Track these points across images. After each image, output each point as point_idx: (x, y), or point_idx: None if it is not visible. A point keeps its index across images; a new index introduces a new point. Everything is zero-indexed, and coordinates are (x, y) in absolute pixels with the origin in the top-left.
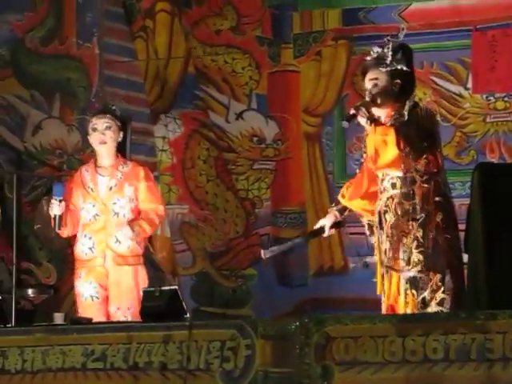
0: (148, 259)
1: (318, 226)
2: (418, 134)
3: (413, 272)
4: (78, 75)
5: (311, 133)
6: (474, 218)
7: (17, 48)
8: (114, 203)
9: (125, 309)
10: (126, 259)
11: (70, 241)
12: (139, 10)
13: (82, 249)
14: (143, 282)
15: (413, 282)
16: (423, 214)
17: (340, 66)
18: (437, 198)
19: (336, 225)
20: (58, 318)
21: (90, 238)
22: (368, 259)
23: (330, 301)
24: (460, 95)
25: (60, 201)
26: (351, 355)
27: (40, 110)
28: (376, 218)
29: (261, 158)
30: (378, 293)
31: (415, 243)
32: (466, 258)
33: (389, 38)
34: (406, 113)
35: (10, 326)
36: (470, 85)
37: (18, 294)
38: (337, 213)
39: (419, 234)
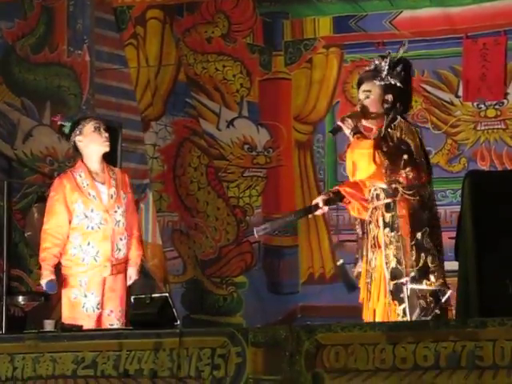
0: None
1: (313, 203)
2: (397, 148)
3: (394, 283)
4: (68, 83)
5: (302, 140)
6: (465, 225)
7: (7, 55)
8: (115, 211)
9: (117, 312)
10: (122, 266)
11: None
12: (130, 17)
13: (82, 257)
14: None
15: (395, 293)
16: (406, 226)
17: (331, 74)
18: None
19: (328, 202)
20: (49, 325)
21: (93, 247)
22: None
23: (320, 309)
24: (451, 103)
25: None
26: (342, 363)
27: (31, 118)
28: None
29: (252, 166)
30: (359, 300)
31: (396, 255)
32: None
33: (389, 51)
34: (383, 127)
35: (0, 332)
36: (460, 92)
37: (9, 301)
38: (330, 193)
39: (399, 245)
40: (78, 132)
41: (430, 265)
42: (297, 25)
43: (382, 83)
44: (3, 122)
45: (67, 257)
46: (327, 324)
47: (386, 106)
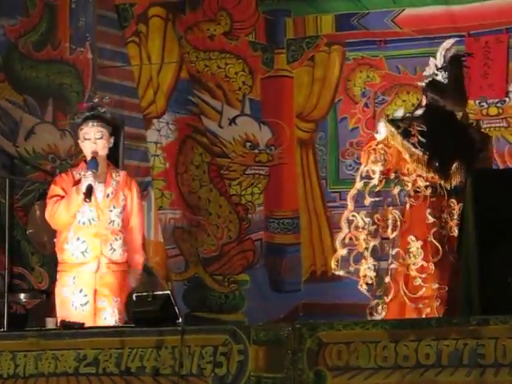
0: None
1: None
2: None
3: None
4: (70, 80)
5: (304, 138)
6: (467, 223)
7: (10, 53)
8: (111, 211)
9: (112, 308)
10: (119, 265)
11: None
12: (132, 14)
13: (72, 252)
14: (128, 285)
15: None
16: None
17: (333, 72)
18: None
19: None
20: (50, 322)
21: (84, 242)
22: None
23: (322, 306)
24: None
25: (94, 173)
26: (344, 361)
27: (33, 115)
28: None
29: (254, 164)
30: None
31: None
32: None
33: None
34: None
35: (2, 330)
36: None
37: (11, 299)
38: None
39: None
40: (78, 135)
41: None
42: (299, 22)
43: (420, 85)
44: (5, 120)
45: (62, 252)
46: (329, 322)
47: (422, 106)
